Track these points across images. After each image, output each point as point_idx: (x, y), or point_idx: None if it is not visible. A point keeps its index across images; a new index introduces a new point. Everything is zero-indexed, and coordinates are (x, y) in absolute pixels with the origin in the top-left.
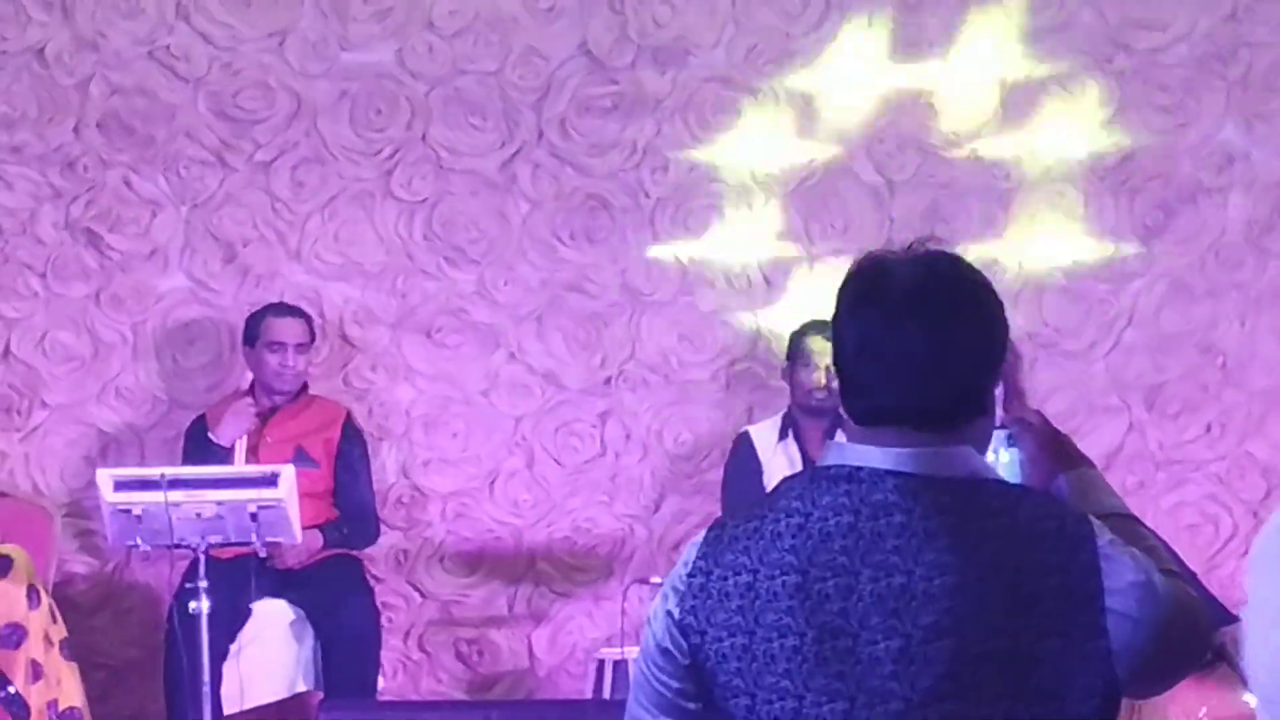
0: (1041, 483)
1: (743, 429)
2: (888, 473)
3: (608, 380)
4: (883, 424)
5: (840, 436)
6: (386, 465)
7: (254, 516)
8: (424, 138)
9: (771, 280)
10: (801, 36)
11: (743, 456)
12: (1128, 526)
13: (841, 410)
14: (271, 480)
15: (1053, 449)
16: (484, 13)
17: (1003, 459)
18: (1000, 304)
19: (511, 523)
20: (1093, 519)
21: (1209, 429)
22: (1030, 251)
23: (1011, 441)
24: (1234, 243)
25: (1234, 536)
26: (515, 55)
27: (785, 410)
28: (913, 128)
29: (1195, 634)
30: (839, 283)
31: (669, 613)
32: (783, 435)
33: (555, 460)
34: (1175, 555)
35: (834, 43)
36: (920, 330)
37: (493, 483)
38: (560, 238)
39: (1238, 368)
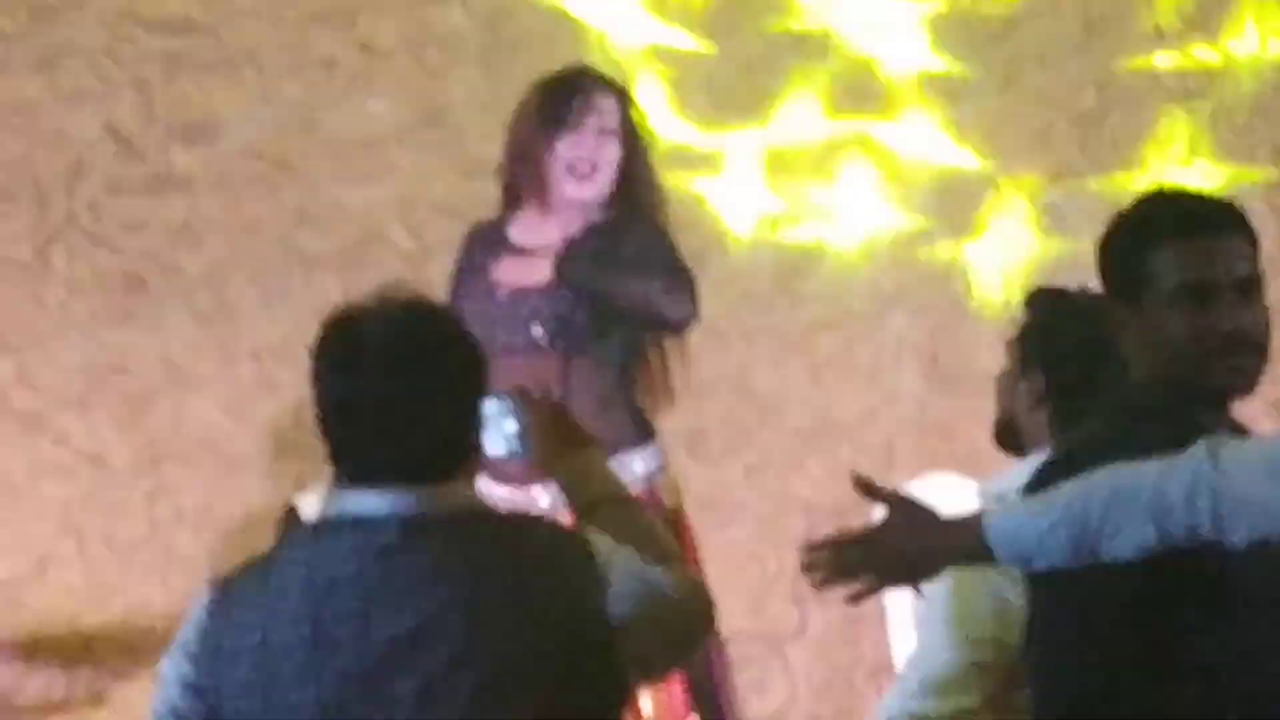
0: (543, 459)
1: (290, 500)
2: (390, 516)
3: (154, 460)
4: (374, 480)
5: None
6: None
7: None
8: None
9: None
10: (330, 109)
11: (291, 527)
12: (624, 511)
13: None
14: None
15: (552, 428)
16: (6, 97)
17: (507, 429)
18: (475, 347)
19: (65, 607)
20: (592, 537)
21: (748, 471)
22: None
23: (515, 413)
24: (763, 290)
25: (779, 575)
26: (42, 139)
27: None
28: None
29: (695, 622)
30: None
31: (182, 676)
32: None
33: (105, 543)
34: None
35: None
36: (395, 389)
37: (43, 569)
38: (99, 320)
39: (774, 409)
